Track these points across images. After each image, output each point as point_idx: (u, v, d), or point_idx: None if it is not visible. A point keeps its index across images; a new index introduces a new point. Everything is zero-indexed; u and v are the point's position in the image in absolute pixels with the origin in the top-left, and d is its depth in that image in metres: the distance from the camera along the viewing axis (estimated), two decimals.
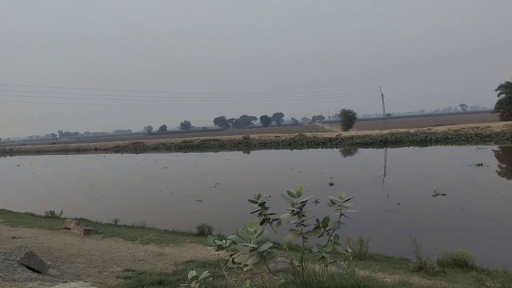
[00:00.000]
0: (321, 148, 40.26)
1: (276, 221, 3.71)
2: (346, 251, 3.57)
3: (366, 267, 6.20)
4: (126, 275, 5.62)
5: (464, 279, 5.32)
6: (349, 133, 47.41)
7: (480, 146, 29.68)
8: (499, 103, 47.40)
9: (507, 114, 45.31)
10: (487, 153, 26.01)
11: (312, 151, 38.06)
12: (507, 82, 46.52)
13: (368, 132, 44.55)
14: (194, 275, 3.08)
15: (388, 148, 34.67)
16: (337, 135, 45.71)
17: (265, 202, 3.62)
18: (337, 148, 38.70)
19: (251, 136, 53.43)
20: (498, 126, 37.48)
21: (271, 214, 3.67)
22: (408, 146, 35.02)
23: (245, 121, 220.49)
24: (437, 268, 5.84)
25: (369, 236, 7.00)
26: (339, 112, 66.11)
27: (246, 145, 49.29)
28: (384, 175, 19.34)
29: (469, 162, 20.30)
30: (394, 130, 43.31)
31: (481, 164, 19.25)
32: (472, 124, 41.07)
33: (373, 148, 36.38)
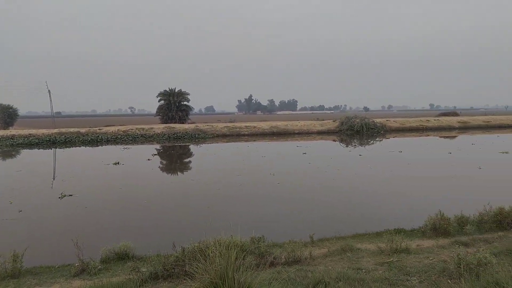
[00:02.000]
0: None
1: None
2: None
3: (20, 285, 5.44)
4: None
5: (123, 271, 5.72)
6: (8, 132, 40.56)
7: (127, 146, 32.95)
8: (160, 108, 54.91)
9: (166, 118, 53.24)
10: (133, 152, 29.29)
11: None
12: (165, 90, 54.52)
13: (33, 131, 39.91)
14: None
15: (58, 149, 32.35)
16: None
17: None
18: None
19: None
20: (159, 127, 43.58)
21: None
22: (80, 146, 34.14)
23: None
24: (99, 267, 5.94)
25: (24, 249, 6.16)
26: None
27: None
28: (54, 178, 17.82)
29: (109, 161, 21.90)
30: (64, 130, 41.02)
31: (118, 163, 21.41)
32: (139, 125, 45.50)
33: (39, 149, 32.82)
